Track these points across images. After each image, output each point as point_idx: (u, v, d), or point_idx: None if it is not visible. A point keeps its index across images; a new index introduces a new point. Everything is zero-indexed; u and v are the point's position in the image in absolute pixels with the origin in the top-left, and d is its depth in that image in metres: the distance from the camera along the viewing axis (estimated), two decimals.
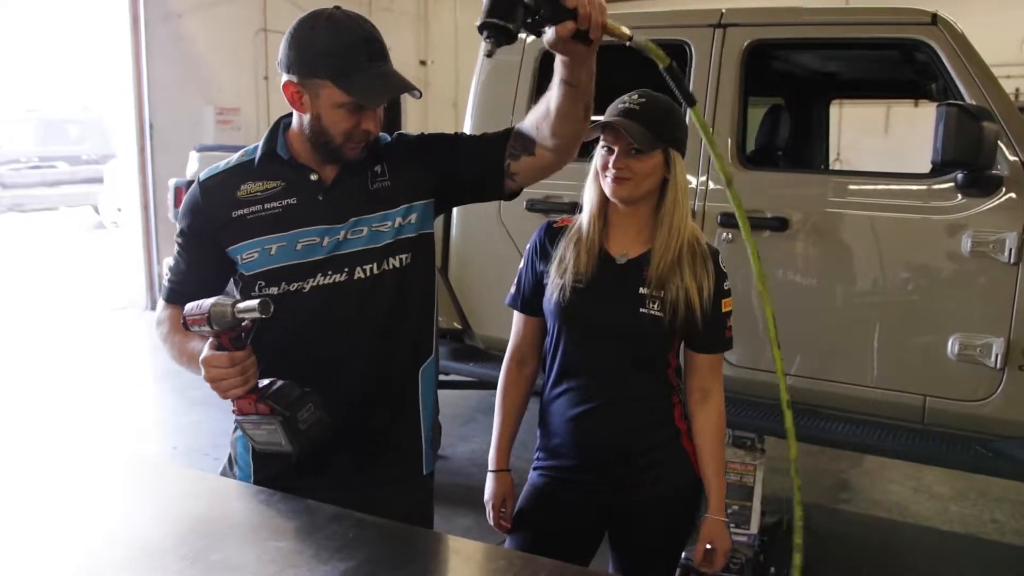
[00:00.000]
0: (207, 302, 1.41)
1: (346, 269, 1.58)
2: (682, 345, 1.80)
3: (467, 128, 3.50)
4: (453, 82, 11.06)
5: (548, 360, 1.81)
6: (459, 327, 3.55)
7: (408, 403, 1.67)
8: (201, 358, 1.44)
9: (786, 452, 1.66)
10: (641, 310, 1.69)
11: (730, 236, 2.90)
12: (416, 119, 11.27)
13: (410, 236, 1.61)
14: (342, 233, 1.58)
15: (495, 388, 1.92)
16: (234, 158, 1.67)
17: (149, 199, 7.46)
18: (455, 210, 3.46)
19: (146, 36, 7.33)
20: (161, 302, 1.70)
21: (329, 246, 1.58)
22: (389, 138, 1.68)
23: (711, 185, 2.97)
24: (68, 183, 15.42)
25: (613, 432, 1.74)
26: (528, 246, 1.84)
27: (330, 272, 1.58)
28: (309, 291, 1.58)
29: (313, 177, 1.60)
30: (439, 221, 3.51)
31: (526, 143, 1.61)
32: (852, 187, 2.89)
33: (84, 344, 6.43)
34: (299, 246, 1.58)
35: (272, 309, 1.38)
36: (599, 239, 1.73)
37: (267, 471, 1.63)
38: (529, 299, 1.82)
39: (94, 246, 11.62)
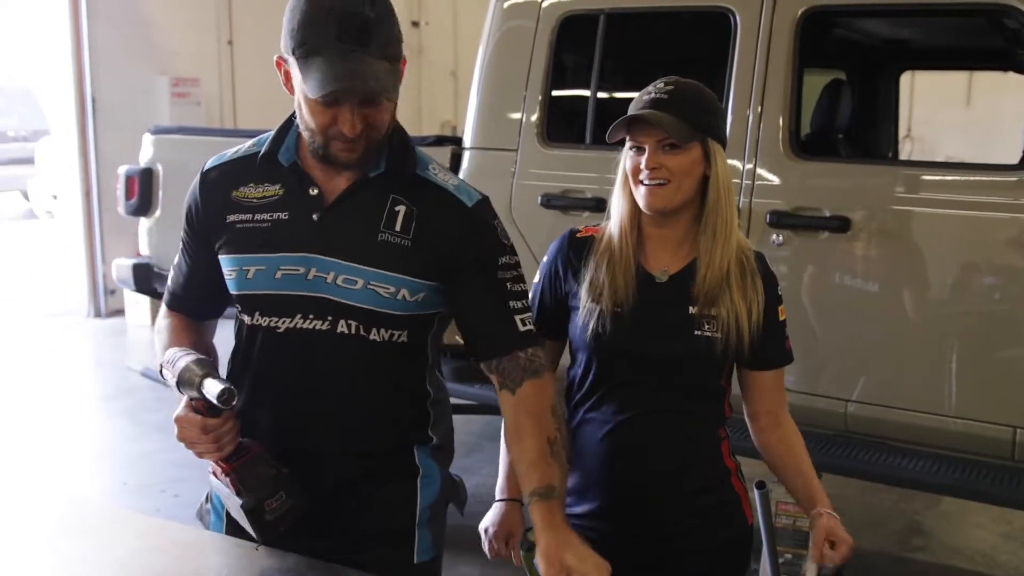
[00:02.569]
0: (183, 360, 1.46)
1: (330, 318, 1.54)
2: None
3: (472, 108, 3.54)
4: (451, 47, 11.11)
5: (576, 391, 1.83)
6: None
7: (393, 484, 1.64)
8: (174, 416, 1.48)
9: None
10: (696, 333, 1.70)
11: (781, 238, 2.94)
12: (409, 91, 11.28)
13: (402, 315, 1.56)
14: (332, 274, 1.54)
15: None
16: (244, 147, 1.65)
17: (92, 186, 7.52)
18: None
19: None
20: (162, 308, 1.73)
21: (314, 282, 1.54)
22: (433, 179, 1.60)
23: (759, 176, 3.00)
24: None
25: (659, 472, 1.76)
26: (546, 258, 1.86)
27: (312, 316, 1.54)
28: (284, 332, 1.56)
29: (313, 192, 1.56)
30: None
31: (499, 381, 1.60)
32: (926, 179, 2.92)
33: (15, 356, 6.47)
34: (279, 274, 1.55)
35: (234, 402, 1.40)
36: (634, 256, 1.74)
37: None
38: (548, 320, 1.83)
39: (24, 239, 11.71)
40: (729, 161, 2.91)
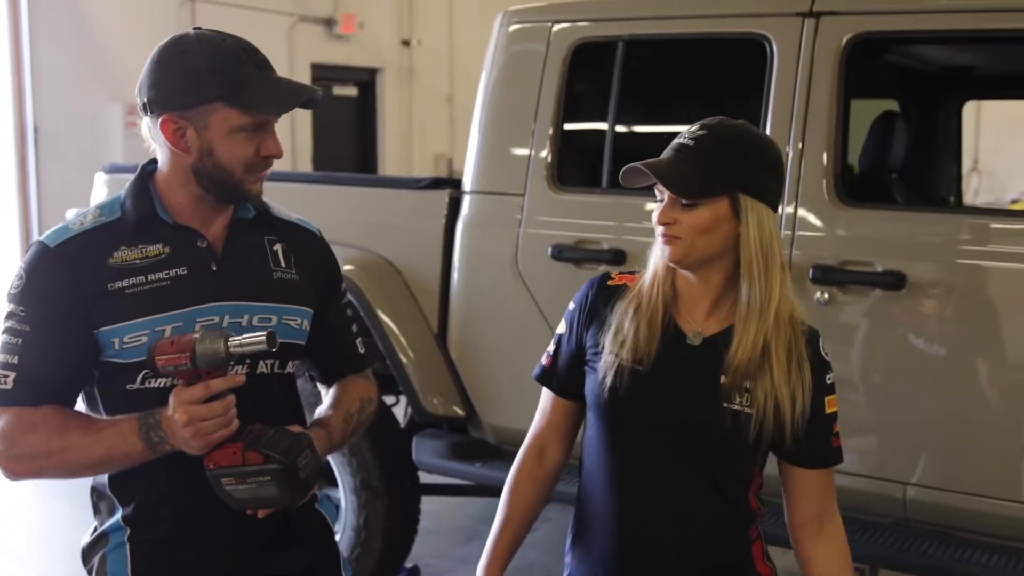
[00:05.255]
0: (184, 338, 1.64)
1: (248, 361, 1.78)
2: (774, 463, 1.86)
3: (473, 145, 3.60)
4: (446, 69, 11.26)
5: (584, 462, 1.88)
6: (461, 413, 3.63)
7: (310, 532, 1.95)
8: (179, 394, 1.64)
9: None
10: (725, 405, 1.73)
11: (827, 296, 2.98)
12: (398, 119, 11.45)
13: (303, 344, 1.91)
14: (246, 317, 1.81)
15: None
16: (88, 217, 1.81)
17: (32, 228, 7.60)
18: (455, 255, 3.55)
19: (28, 8, 7.49)
20: (12, 414, 1.73)
21: (231, 329, 1.75)
22: (285, 216, 1.97)
23: (801, 223, 3.05)
24: None
25: (668, 554, 1.79)
26: (572, 305, 1.91)
27: (232, 363, 1.72)
28: None
29: (200, 244, 1.81)
30: (434, 269, 3.65)
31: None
32: (995, 228, 2.95)
33: None
34: (197, 327, 1.74)
35: (278, 341, 1.66)
36: (664, 310, 1.78)
37: None
38: (565, 376, 1.89)
39: None
40: None
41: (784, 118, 3.07)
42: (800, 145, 3.05)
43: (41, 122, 7.62)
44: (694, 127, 1.76)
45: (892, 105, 4.28)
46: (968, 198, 10.08)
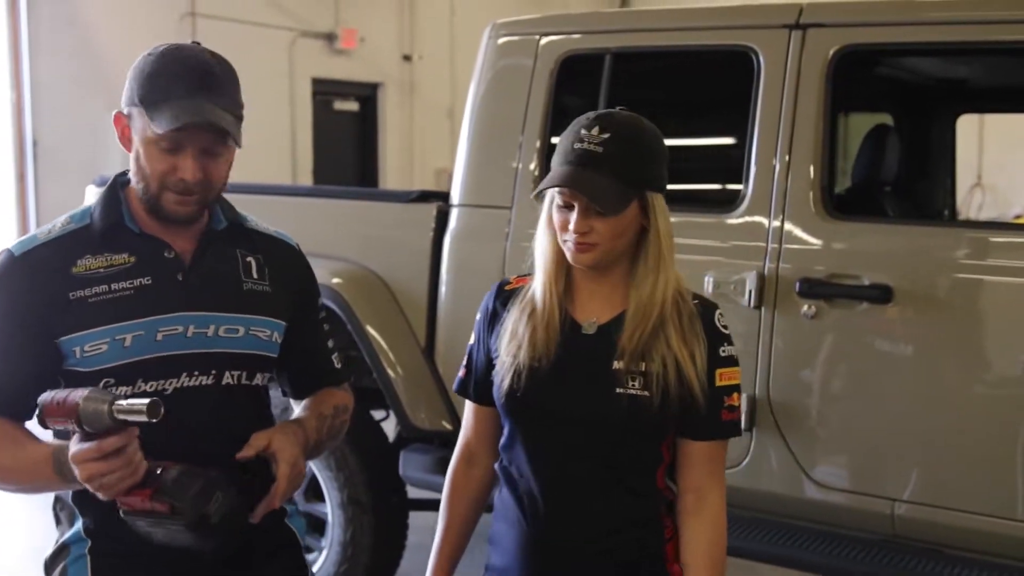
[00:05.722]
0: (73, 395, 1.53)
1: (214, 371, 1.80)
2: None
3: (460, 159, 3.60)
4: (447, 84, 11.28)
5: (499, 463, 1.91)
6: (449, 428, 3.61)
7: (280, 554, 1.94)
8: (72, 453, 1.56)
9: None
10: (617, 390, 1.76)
11: (813, 310, 2.96)
12: (399, 133, 11.48)
13: (274, 356, 1.91)
14: (212, 327, 1.80)
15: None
16: (58, 224, 1.82)
17: None
18: (443, 268, 3.55)
19: (28, 21, 7.53)
20: None
21: (196, 340, 1.77)
22: (262, 229, 1.97)
23: (788, 237, 3.04)
24: None
25: (579, 565, 1.81)
26: (478, 315, 1.95)
27: (197, 373, 1.77)
28: (172, 393, 1.76)
29: (167, 254, 1.81)
30: (422, 282, 3.64)
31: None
32: (983, 240, 2.94)
33: None
34: (160, 336, 1.75)
35: (162, 412, 1.52)
36: (560, 307, 1.81)
37: None
38: (481, 384, 1.93)
39: None
40: (754, 219, 3.03)
41: (771, 131, 3.06)
42: (787, 158, 3.04)
43: (40, 136, 7.65)
44: (593, 128, 1.76)
45: (886, 119, 4.27)
46: (971, 214, 10.06)
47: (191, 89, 1.70)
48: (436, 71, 11.33)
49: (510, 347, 1.82)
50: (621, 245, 1.78)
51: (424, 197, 3.77)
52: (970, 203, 10.15)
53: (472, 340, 1.97)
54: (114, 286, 1.75)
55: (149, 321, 1.75)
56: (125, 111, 1.77)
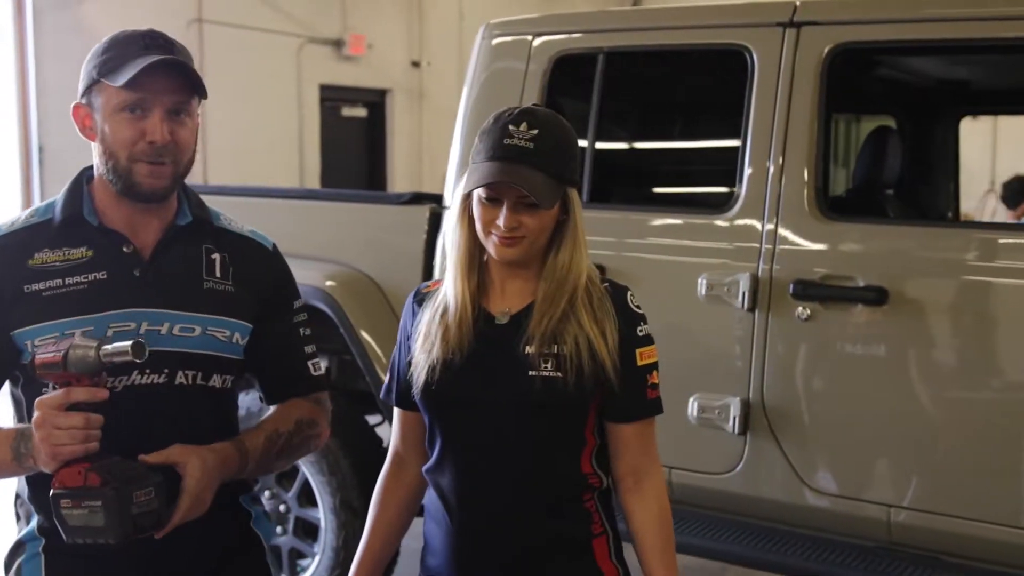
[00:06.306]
0: (65, 340, 1.62)
1: (166, 370, 1.76)
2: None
3: (453, 159, 3.58)
4: (456, 90, 11.26)
5: (426, 466, 1.90)
6: None
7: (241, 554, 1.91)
8: (40, 399, 1.59)
9: None
10: (530, 373, 1.77)
11: (808, 312, 2.92)
12: (407, 139, 11.48)
13: (236, 359, 1.86)
14: (166, 325, 1.77)
15: None
16: (21, 217, 1.82)
17: None
18: (436, 267, 3.52)
19: (34, 28, 7.57)
20: None
21: (147, 337, 1.72)
22: (233, 228, 1.94)
23: (781, 239, 3.00)
24: None
25: (505, 561, 1.82)
26: (400, 321, 1.95)
27: (148, 371, 1.73)
28: (121, 391, 1.72)
29: (126, 248, 1.79)
30: (415, 285, 3.59)
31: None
32: (980, 241, 2.89)
33: None
34: (110, 332, 1.72)
35: (147, 352, 1.58)
36: (473, 303, 1.82)
37: None
38: (405, 388, 1.91)
39: None
40: (747, 220, 3.00)
41: (765, 130, 3.03)
42: (781, 158, 3.01)
43: (46, 141, 7.67)
44: (521, 123, 1.78)
45: (887, 120, 4.23)
46: (985, 219, 10.00)
47: (147, 46, 1.74)
48: (445, 77, 11.33)
49: (424, 346, 1.82)
50: (544, 238, 1.80)
51: (417, 199, 3.76)
52: (984, 208, 10.08)
53: (395, 347, 1.96)
54: (68, 280, 1.74)
55: (100, 317, 1.73)
56: (83, 101, 1.78)
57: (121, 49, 1.74)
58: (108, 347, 1.58)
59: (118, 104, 1.72)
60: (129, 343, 1.57)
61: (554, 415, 1.79)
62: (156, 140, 1.72)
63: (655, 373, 1.87)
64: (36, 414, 1.59)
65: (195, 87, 1.77)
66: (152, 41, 1.75)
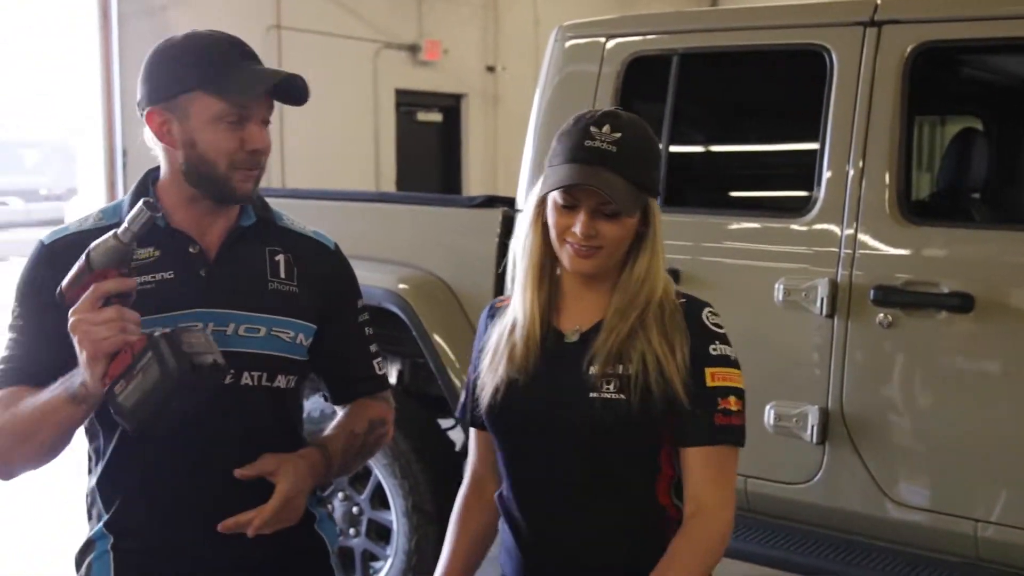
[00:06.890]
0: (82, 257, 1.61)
1: (232, 371, 1.74)
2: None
3: (526, 163, 3.57)
4: (530, 94, 11.25)
5: (497, 491, 1.85)
6: None
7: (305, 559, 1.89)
8: (71, 309, 1.58)
9: None
10: (591, 395, 1.68)
11: (889, 319, 2.85)
12: (483, 144, 11.51)
13: (301, 360, 1.87)
14: (231, 326, 1.78)
15: None
16: (90, 218, 1.83)
17: None
18: (508, 274, 3.51)
19: (119, 35, 7.75)
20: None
21: (214, 338, 1.70)
22: (297, 228, 1.94)
23: (861, 244, 2.93)
24: (22, 225, 16.25)
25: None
26: (475, 336, 1.91)
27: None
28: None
29: (192, 249, 1.79)
30: (487, 288, 3.62)
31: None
32: None
33: None
34: None
35: (159, 207, 1.62)
36: (542, 319, 1.75)
37: None
38: (476, 408, 1.86)
39: None
40: (826, 224, 2.94)
41: (844, 133, 2.97)
42: (861, 161, 2.95)
43: (130, 144, 7.81)
44: (604, 125, 1.69)
45: (974, 122, 4.12)
46: None
47: (244, 54, 1.75)
48: (520, 82, 11.33)
49: (491, 365, 1.77)
50: (622, 251, 1.71)
51: (490, 202, 3.76)
52: None
53: (471, 363, 1.91)
54: (137, 280, 1.73)
55: (168, 317, 1.73)
56: (162, 107, 1.74)
57: (214, 58, 1.72)
58: (122, 226, 1.58)
59: (218, 113, 1.71)
60: (137, 205, 1.58)
61: (620, 441, 1.70)
62: (260, 147, 1.75)
63: (733, 399, 1.71)
64: (71, 319, 1.58)
65: (300, 100, 1.79)
66: (245, 50, 1.76)
